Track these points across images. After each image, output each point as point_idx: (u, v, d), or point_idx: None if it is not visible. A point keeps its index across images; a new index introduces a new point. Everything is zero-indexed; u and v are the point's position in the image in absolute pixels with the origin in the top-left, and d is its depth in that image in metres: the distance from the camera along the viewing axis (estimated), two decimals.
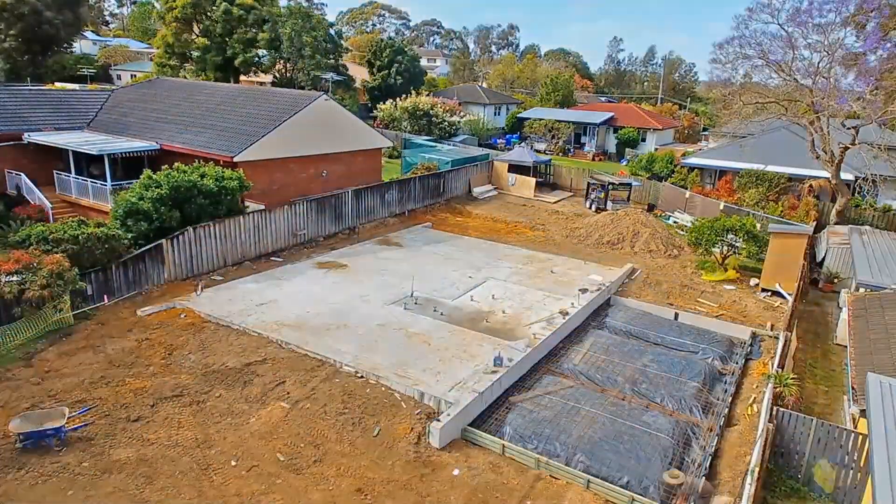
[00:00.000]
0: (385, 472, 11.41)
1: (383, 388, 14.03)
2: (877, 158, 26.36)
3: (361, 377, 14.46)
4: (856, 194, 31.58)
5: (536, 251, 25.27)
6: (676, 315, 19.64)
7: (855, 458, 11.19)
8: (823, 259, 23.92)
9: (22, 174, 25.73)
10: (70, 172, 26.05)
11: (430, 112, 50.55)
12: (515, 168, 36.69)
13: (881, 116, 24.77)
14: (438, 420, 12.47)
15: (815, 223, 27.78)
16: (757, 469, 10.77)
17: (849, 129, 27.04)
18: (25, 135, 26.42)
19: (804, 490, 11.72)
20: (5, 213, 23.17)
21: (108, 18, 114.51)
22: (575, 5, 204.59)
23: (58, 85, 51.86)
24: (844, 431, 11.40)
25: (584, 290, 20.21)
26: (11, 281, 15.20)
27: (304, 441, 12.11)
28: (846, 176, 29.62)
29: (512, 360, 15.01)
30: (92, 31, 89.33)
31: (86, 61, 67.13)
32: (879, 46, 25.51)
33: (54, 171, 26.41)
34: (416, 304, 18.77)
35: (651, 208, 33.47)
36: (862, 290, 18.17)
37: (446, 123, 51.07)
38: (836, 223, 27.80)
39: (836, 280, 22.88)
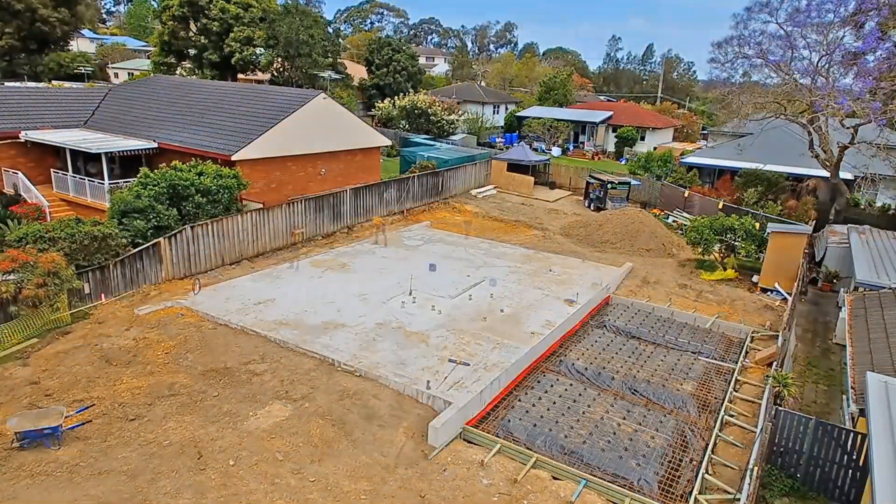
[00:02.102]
0: (384, 472, 11.37)
1: (382, 387, 13.99)
2: (875, 157, 26.36)
3: (360, 376, 14.43)
4: (855, 193, 31.59)
5: (535, 250, 25.24)
6: (674, 314, 19.62)
7: (854, 457, 11.18)
8: (822, 258, 23.91)
9: (19, 172, 25.64)
10: (67, 171, 25.96)
11: (429, 111, 50.47)
12: (514, 167, 36.66)
13: (881, 117, 24.73)
14: (437, 419, 12.44)
15: (814, 222, 27.78)
16: (756, 468, 10.76)
17: (848, 128, 27.03)
18: (22, 133, 26.31)
19: (804, 489, 11.71)
20: (2, 212, 23.07)
21: (104, 16, 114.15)
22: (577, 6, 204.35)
23: (55, 83, 51.70)
24: (844, 431, 11.39)
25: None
26: (8, 280, 15.13)
27: (302, 440, 12.07)
28: (845, 175, 29.63)
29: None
30: (89, 29, 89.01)
31: (83, 59, 66.85)
32: (878, 46, 25.46)
33: (51, 170, 26.33)
34: (414, 302, 18.73)
35: (649, 207, 33.45)
36: (861, 289, 18.16)
37: (445, 122, 50.98)
38: (835, 222, 27.80)
39: (835, 279, 22.87)
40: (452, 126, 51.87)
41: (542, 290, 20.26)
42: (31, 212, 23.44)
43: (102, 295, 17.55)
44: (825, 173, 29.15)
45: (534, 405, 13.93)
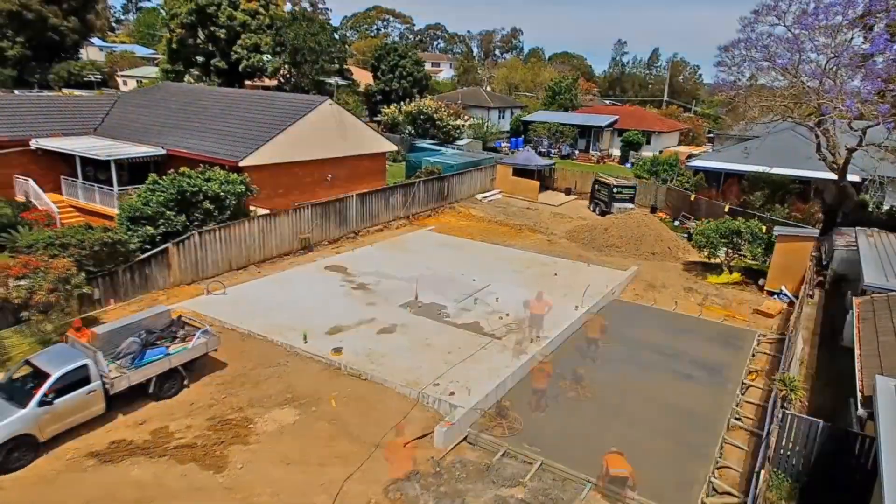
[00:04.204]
0: (389, 474, 11.41)
1: (388, 391, 14.04)
2: (884, 160, 26.20)
3: (366, 380, 14.48)
4: (863, 196, 31.38)
5: (540, 254, 25.25)
6: (680, 317, 19.55)
7: (862, 461, 11.10)
8: (830, 261, 23.78)
9: (30, 179, 25.91)
10: (77, 177, 26.22)
11: (435, 116, 50.62)
12: (520, 171, 36.71)
13: (889, 119, 24.58)
14: (442, 422, 12.47)
15: (821, 225, 27.63)
16: (763, 471, 10.72)
17: (856, 130, 26.89)
18: (33, 140, 26.62)
19: (811, 492, 11.62)
20: (13, 218, 23.32)
21: (113, 25, 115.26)
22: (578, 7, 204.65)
23: (65, 91, 52.28)
24: (851, 434, 11.32)
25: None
26: (20, 285, 15.29)
27: (309, 443, 12.13)
28: (853, 178, 29.45)
29: None
30: (98, 38, 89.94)
31: (92, 67, 67.54)
32: (887, 48, 25.32)
33: (61, 177, 26.60)
34: (420, 307, 18.78)
35: (655, 210, 33.41)
36: (869, 292, 18.03)
37: (450, 127, 51.09)
38: (843, 225, 27.62)
39: (842, 282, 22.72)
40: (458, 131, 51.97)
41: (546, 294, 20.22)
42: (42, 218, 23.66)
43: (111, 300, 17.70)
44: (833, 176, 29.00)
45: (538, 408, 13.90)
